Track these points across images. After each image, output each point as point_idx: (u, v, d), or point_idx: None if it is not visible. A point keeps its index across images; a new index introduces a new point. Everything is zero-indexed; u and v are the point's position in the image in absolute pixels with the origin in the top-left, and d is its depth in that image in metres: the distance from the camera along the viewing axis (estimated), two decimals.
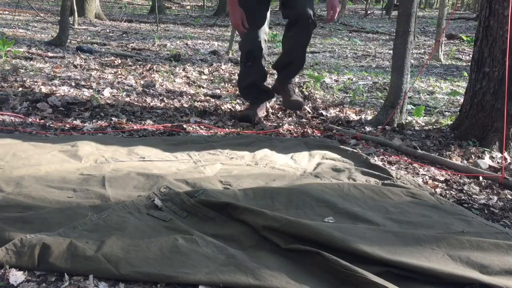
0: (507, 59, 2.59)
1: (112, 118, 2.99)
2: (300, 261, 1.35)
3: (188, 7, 18.58)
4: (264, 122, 3.19)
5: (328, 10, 3.06)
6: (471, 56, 2.89)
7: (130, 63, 4.96)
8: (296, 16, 3.02)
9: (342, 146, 2.62)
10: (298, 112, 3.38)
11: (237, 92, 3.99)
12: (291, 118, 3.31)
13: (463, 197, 2.06)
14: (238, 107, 3.50)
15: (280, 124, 3.13)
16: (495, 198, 2.06)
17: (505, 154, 2.65)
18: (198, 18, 12.88)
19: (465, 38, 10.04)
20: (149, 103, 3.43)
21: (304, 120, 3.29)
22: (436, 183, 2.22)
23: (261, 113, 3.28)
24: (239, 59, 4.89)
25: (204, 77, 4.67)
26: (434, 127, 3.22)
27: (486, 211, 1.93)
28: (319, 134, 3.00)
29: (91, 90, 3.58)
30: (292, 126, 3.08)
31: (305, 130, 3.01)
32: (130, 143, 2.45)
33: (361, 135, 2.89)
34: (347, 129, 3.02)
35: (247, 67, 3.16)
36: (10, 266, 1.20)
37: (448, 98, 4.48)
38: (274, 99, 3.65)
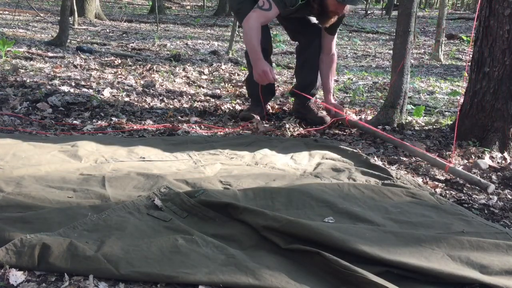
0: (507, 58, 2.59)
1: (112, 118, 2.99)
2: (300, 261, 1.35)
3: (188, 7, 18.58)
4: (264, 122, 3.19)
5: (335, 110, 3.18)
6: (471, 56, 2.88)
7: (130, 63, 4.96)
8: (308, 41, 3.16)
9: (342, 146, 2.62)
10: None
11: (237, 92, 3.99)
12: (291, 118, 3.31)
13: (463, 197, 2.06)
14: (238, 107, 3.50)
15: (280, 124, 3.13)
16: (495, 198, 2.06)
17: (505, 154, 2.65)
18: (198, 18, 12.88)
19: (465, 38, 10.05)
20: (149, 103, 3.43)
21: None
22: (436, 183, 2.22)
23: (262, 113, 3.29)
24: (244, 59, 4.90)
25: (204, 77, 4.67)
26: (434, 127, 3.22)
27: (486, 211, 1.93)
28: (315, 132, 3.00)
29: (91, 90, 3.58)
30: (292, 125, 3.08)
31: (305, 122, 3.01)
32: (130, 143, 2.45)
33: (349, 120, 3.07)
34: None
35: None
36: (10, 266, 1.20)
37: (448, 98, 4.48)
38: (273, 100, 3.66)
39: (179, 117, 3.15)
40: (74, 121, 2.88)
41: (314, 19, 3.21)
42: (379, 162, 2.42)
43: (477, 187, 2.18)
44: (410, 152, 2.58)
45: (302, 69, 3.32)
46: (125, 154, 2.27)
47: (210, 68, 5.10)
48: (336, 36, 3.21)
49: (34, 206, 1.57)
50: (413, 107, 3.75)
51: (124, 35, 8.18)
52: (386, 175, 2.16)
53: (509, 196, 2.09)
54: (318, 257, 1.32)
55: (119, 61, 4.99)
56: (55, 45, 5.74)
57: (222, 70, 5.11)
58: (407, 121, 3.26)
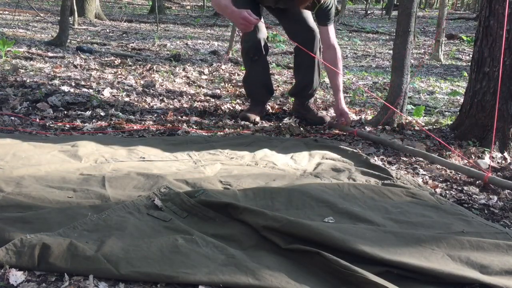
0: (502, 58, 2.59)
1: (112, 118, 2.99)
2: (300, 261, 1.35)
3: (188, 7, 18.57)
4: (264, 122, 3.19)
5: (337, 116, 3.10)
6: (471, 56, 2.88)
7: (130, 63, 4.96)
8: (305, 40, 3.08)
9: (342, 146, 2.62)
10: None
11: (237, 92, 3.99)
12: (291, 119, 3.31)
13: (463, 197, 2.06)
14: (238, 107, 3.50)
15: (280, 124, 3.13)
16: (495, 198, 2.06)
17: (505, 154, 2.65)
18: (198, 18, 12.89)
19: (465, 38, 10.05)
20: (149, 103, 3.44)
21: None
22: (436, 183, 2.22)
23: (263, 113, 3.29)
24: (240, 59, 4.90)
25: (204, 77, 4.67)
26: (434, 127, 3.22)
27: (486, 211, 1.93)
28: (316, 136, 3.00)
29: (91, 90, 3.58)
30: (292, 125, 3.07)
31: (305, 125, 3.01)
32: (130, 143, 2.45)
33: (358, 131, 2.93)
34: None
35: (253, 62, 3.14)
36: (10, 266, 1.20)
37: (448, 98, 4.48)
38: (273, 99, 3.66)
39: (179, 117, 3.15)
40: (74, 121, 2.88)
41: (310, 19, 3.15)
42: (379, 162, 2.42)
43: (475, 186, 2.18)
44: (442, 164, 2.45)
45: (299, 69, 3.30)
46: (125, 154, 2.27)
47: (210, 68, 5.10)
48: (332, 27, 3.09)
49: (34, 206, 1.57)
50: (413, 107, 3.75)
51: (124, 35, 8.18)
52: (386, 175, 2.16)
53: (509, 196, 2.09)
54: (318, 257, 1.32)
55: (119, 61, 4.99)
56: (55, 45, 5.74)
57: (222, 70, 5.11)
58: (407, 121, 3.26)
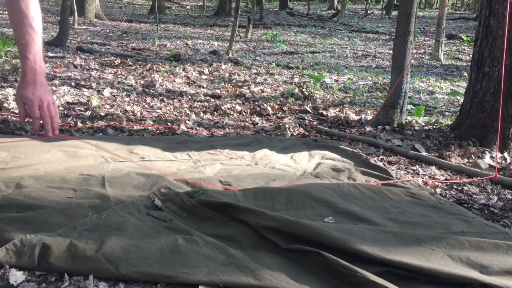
0: (504, 58, 2.59)
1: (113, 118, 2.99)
2: (300, 261, 1.35)
3: (188, 7, 18.57)
4: (264, 122, 3.19)
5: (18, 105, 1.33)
6: (471, 56, 2.88)
7: (130, 63, 4.96)
8: None
9: (342, 146, 2.62)
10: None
11: (237, 92, 3.99)
12: (291, 119, 3.31)
13: (463, 197, 2.06)
14: (238, 108, 3.50)
15: (280, 124, 3.13)
16: (495, 198, 2.06)
17: (505, 154, 2.65)
18: (198, 18, 12.88)
19: (465, 38, 10.05)
20: (149, 103, 3.43)
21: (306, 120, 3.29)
22: (436, 183, 2.22)
23: None
24: (244, 59, 4.86)
25: (204, 77, 4.66)
26: (434, 127, 3.22)
27: (486, 211, 1.93)
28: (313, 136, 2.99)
29: (91, 90, 3.58)
30: (292, 125, 3.07)
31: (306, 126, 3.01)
32: (130, 143, 2.44)
33: (351, 135, 2.89)
34: (339, 131, 3.03)
35: None
36: (10, 266, 1.20)
37: (448, 98, 4.48)
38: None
39: (179, 117, 3.15)
40: (74, 121, 2.88)
41: None
42: (379, 162, 2.41)
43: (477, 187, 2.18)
44: (447, 167, 2.44)
45: None
46: (125, 154, 2.27)
47: (210, 68, 5.10)
48: None
49: (34, 206, 1.56)
50: (413, 107, 3.75)
51: (124, 35, 8.17)
52: (386, 175, 2.16)
53: (509, 196, 2.09)
54: (318, 257, 1.32)
55: (119, 61, 4.99)
56: (55, 45, 5.74)
57: (222, 70, 5.11)
58: (407, 121, 3.26)
